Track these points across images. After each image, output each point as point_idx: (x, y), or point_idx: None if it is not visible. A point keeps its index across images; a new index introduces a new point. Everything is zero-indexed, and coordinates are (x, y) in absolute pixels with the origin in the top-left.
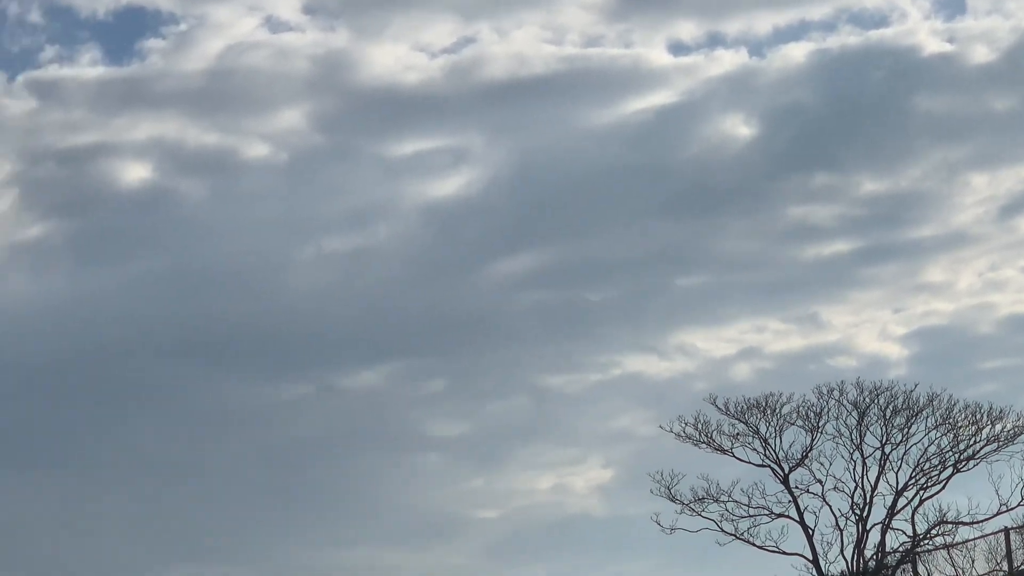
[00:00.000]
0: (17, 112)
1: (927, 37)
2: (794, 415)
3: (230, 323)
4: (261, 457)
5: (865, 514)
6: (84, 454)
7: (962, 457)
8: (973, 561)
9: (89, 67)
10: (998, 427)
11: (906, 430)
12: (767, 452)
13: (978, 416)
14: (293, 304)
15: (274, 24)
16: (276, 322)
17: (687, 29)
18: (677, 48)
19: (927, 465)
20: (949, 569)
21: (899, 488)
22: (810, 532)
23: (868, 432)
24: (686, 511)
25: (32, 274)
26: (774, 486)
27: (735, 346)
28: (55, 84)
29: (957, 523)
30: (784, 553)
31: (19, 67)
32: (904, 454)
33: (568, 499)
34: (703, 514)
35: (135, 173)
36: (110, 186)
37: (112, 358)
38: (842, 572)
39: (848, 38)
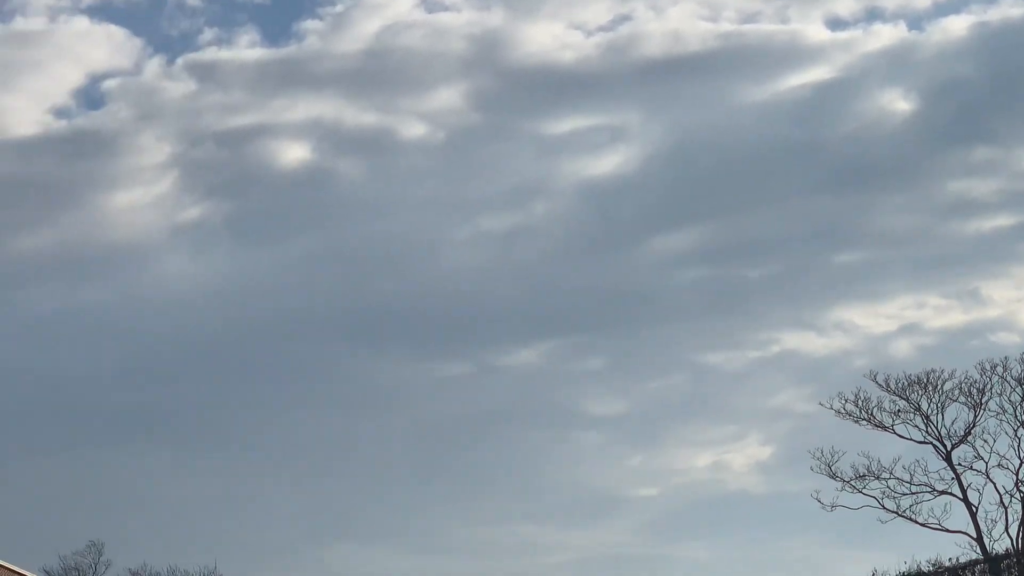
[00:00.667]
0: (177, 94)
1: None
2: (956, 392)
3: (388, 302)
4: (420, 436)
5: None
6: (243, 433)
7: None
8: None
9: (247, 49)
10: None
11: None
12: (929, 429)
13: None
14: (450, 283)
15: (430, 4)
16: (434, 301)
17: (845, 4)
18: (835, 23)
19: None
20: None
21: None
22: (974, 510)
23: None
24: (847, 488)
25: (192, 254)
26: (936, 463)
27: (895, 322)
28: (214, 66)
29: None
30: (947, 531)
31: (178, 50)
32: None
33: (727, 476)
34: (864, 491)
35: (293, 153)
36: (268, 167)
37: (271, 338)
38: (1007, 550)
39: (1010, 10)
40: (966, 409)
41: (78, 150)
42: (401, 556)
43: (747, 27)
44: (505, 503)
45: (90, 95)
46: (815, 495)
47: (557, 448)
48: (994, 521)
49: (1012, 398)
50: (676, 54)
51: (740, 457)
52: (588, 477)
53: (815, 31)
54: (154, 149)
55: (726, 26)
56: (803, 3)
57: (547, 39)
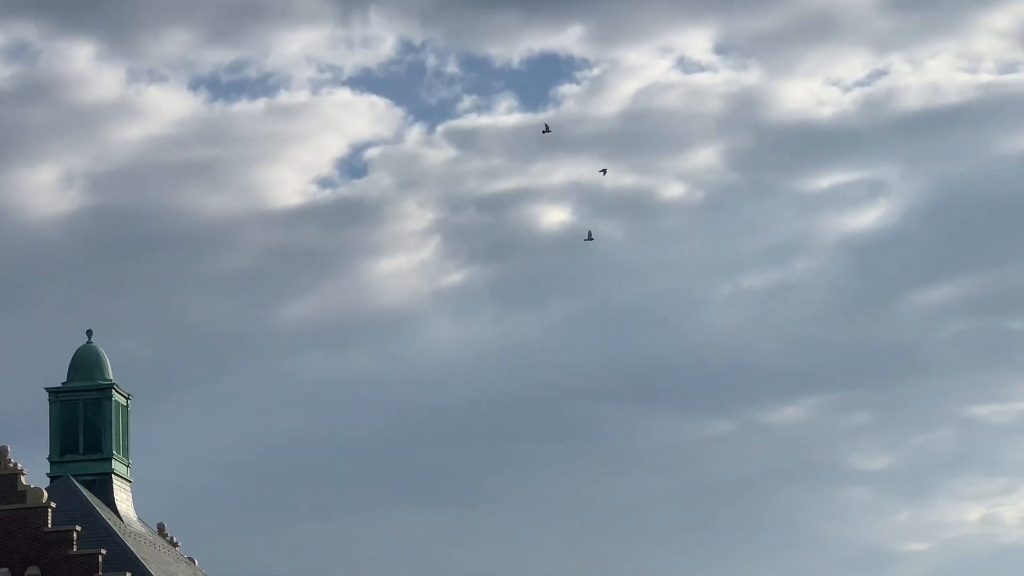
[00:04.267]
0: (438, 161)
1: None
2: None
3: (651, 362)
4: (687, 495)
5: None
6: (511, 496)
7: None
8: None
9: (505, 115)
10: None
11: None
12: None
13: None
14: (713, 341)
15: (687, 65)
16: (697, 360)
17: None
18: None
19: None
20: None
21: None
22: None
23: None
24: None
25: (456, 319)
26: None
27: None
28: (473, 132)
29: None
30: None
31: (438, 118)
32: None
33: (999, 530)
34: None
35: (554, 216)
36: (530, 230)
37: (536, 400)
38: None
39: None
40: None
41: (342, 218)
42: None
43: (1007, 77)
44: (774, 561)
45: (353, 164)
46: None
47: (823, 504)
48: None
49: None
50: (935, 106)
51: (1012, 510)
52: (857, 533)
53: None
54: (416, 215)
55: (985, 77)
56: None
57: (804, 95)
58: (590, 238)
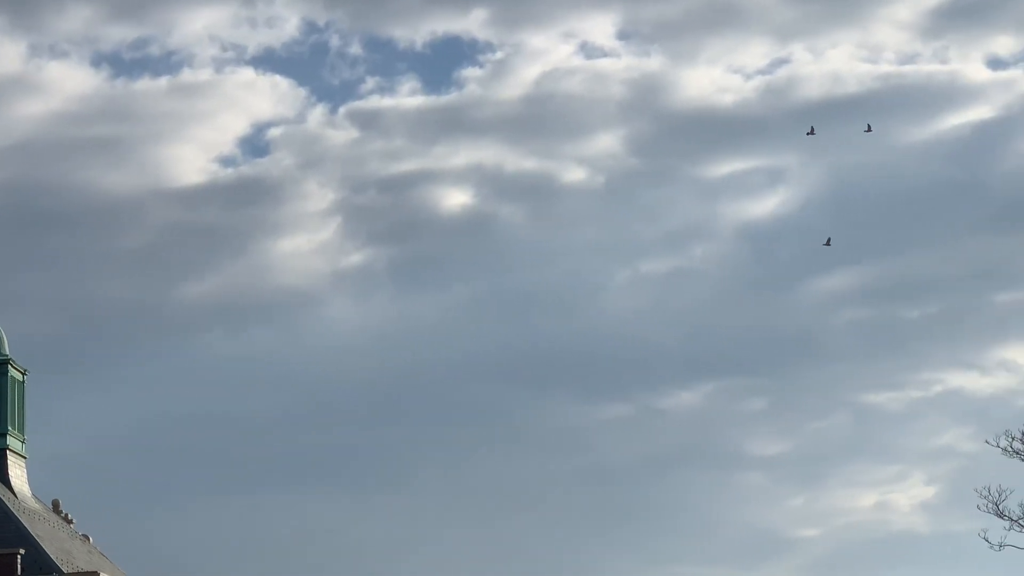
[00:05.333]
0: (339, 142)
1: None
2: None
3: (549, 346)
4: (583, 478)
5: None
6: (408, 476)
7: None
8: None
9: (408, 97)
10: None
11: None
12: None
13: None
14: (611, 326)
15: (589, 50)
16: (595, 344)
17: (1004, 43)
18: (995, 63)
19: None
20: None
21: None
22: None
23: None
24: (1015, 527)
25: (356, 300)
26: None
27: None
28: (376, 114)
29: None
30: None
31: (341, 99)
32: None
33: (891, 516)
34: None
35: (455, 199)
36: (430, 212)
37: (435, 382)
38: None
39: None
40: None
41: (243, 198)
42: None
43: (906, 68)
44: (670, 543)
45: (255, 144)
46: (982, 534)
47: (720, 489)
48: None
49: None
50: (835, 96)
51: (904, 497)
52: (751, 518)
53: (975, 71)
54: (317, 196)
55: (885, 67)
56: (962, 43)
57: (706, 83)
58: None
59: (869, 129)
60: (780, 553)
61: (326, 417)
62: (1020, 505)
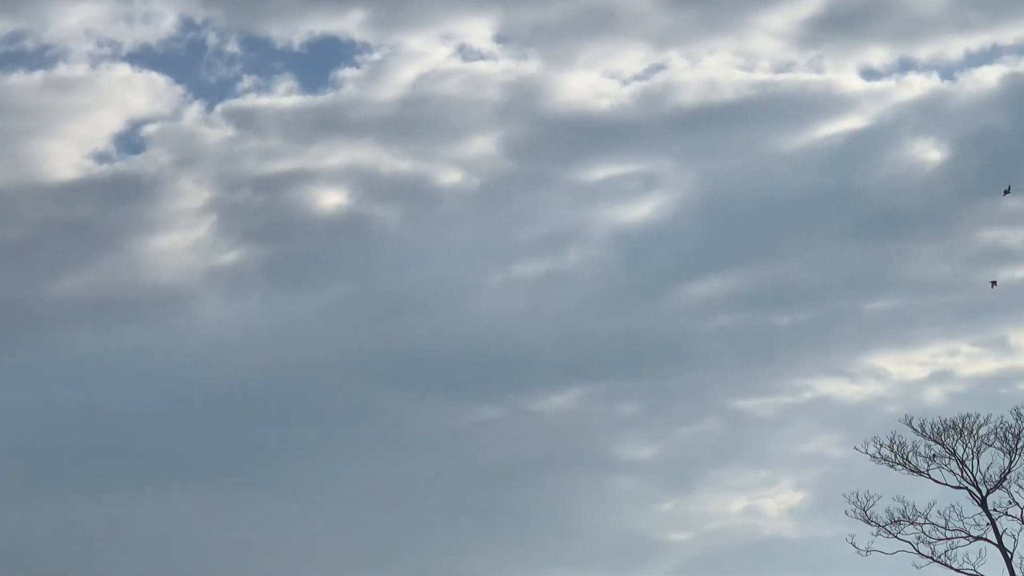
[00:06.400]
0: (215, 140)
1: None
2: (992, 437)
3: (423, 347)
4: (455, 479)
5: None
6: (279, 475)
7: None
8: None
9: (285, 96)
10: None
11: None
12: (964, 474)
13: None
14: (485, 328)
15: (467, 52)
16: (469, 346)
17: (878, 54)
18: (868, 73)
19: None
20: None
21: None
22: (1009, 555)
23: None
24: (881, 533)
25: (229, 298)
26: (971, 508)
27: (927, 369)
28: (252, 113)
29: None
30: None
31: (217, 97)
32: None
33: (760, 521)
34: (899, 536)
35: (330, 199)
36: (305, 212)
37: (307, 382)
38: None
39: None
40: (1001, 455)
41: (117, 194)
42: None
43: (781, 76)
44: (541, 546)
45: (130, 140)
46: (850, 540)
47: (591, 492)
48: None
49: None
50: (711, 103)
51: (773, 502)
52: (622, 521)
53: (849, 81)
54: (192, 194)
55: (761, 75)
56: (837, 53)
57: (582, 87)
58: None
59: (1008, 191)
60: (650, 556)
61: (196, 416)
62: (887, 511)
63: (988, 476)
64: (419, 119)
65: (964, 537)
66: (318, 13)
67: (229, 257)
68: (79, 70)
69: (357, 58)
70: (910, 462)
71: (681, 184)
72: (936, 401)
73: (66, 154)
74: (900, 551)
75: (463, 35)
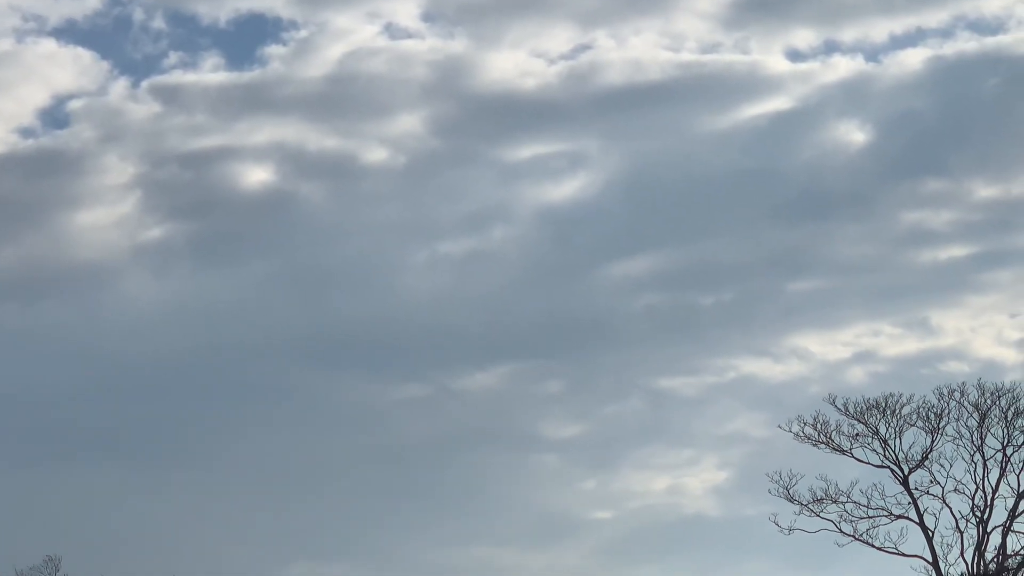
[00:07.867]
0: (141, 116)
1: None
2: (914, 416)
3: (348, 325)
4: (378, 457)
5: (986, 517)
6: (202, 452)
7: None
8: None
9: (211, 73)
10: None
11: None
12: (886, 453)
13: None
14: (410, 306)
15: (394, 31)
16: (393, 324)
17: (804, 36)
18: (794, 55)
19: None
20: None
21: (1021, 491)
22: (930, 534)
23: (989, 434)
24: (804, 512)
25: (153, 275)
26: (893, 487)
27: (849, 349)
28: (178, 89)
29: None
30: (903, 555)
31: (143, 73)
32: None
33: (683, 500)
34: (821, 515)
35: (256, 176)
36: (231, 189)
37: (231, 359)
38: (962, 575)
39: (965, 44)
40: (923, 434)
41: (42, 170)
42: None
43: (707, 57)
44: (463, 524)
45: (55, 116)
46: (773, 518)
47: (515, 471)
48: (950, 546)
49: (969, 423)
50: (637, 83)
51: (696, 481)
52: (545, 500)
53: (774, 62)
54: (117, 170)
55: (687, 56)
56: (763, 34)
57: (509, 67)
58: None
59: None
60: (573, 535)
61: (119, 392)
62: (810, 490)
63: (910, 455)
64: (345, 97)
65: (886, 516)
66: None
67: (154, 233)
68: (4, 44)
69: (284, 35)
70: (833, 441)
71: (606, 164)
72: (859, 381)
73: None
74: (823, 530)
75: (390, 13)
